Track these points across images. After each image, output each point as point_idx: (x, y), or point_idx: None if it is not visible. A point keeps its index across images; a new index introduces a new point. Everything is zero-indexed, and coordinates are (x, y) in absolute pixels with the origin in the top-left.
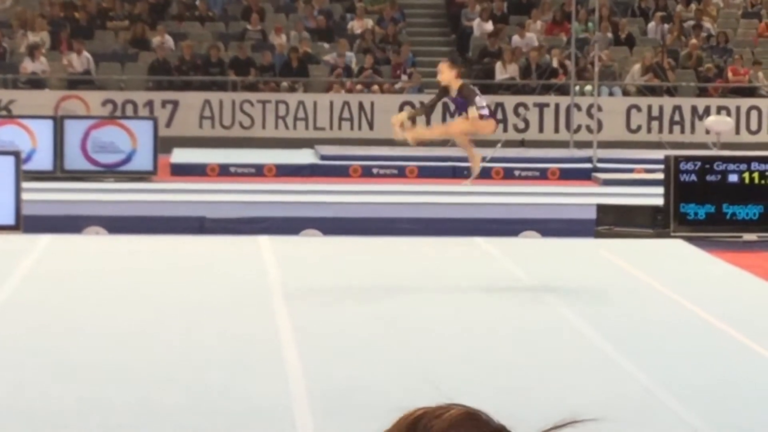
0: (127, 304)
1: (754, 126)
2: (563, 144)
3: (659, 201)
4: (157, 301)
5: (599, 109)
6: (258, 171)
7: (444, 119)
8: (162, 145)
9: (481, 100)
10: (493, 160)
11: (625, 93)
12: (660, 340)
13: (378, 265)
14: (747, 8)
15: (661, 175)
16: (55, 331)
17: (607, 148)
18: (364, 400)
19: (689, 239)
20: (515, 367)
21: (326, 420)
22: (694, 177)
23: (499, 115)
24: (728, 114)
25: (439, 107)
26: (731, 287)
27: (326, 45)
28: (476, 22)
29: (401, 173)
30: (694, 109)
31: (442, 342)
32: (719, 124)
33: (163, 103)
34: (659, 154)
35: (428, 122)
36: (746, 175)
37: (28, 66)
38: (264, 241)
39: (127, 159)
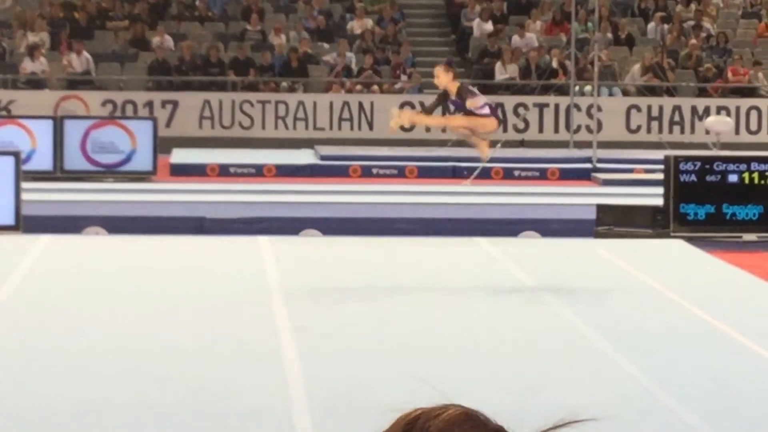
0: (127, 304)
1: (753, 126)
2: (563, 144)
3: (659, 201)
4: (157, 301)
5: (599, 109)
6: (258, 171)
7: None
8: (162, 145)
9: (481, 99)
10: (493, 160)
11: (625, 93)
12: (660, 341)
13: (378, 266)
14: (747, 8)
15: (660, 176)
16: (54, 331)
17: (606, 148)
18: (363, 400)
19: (689, 239)
20: (515, 367)
21: (325, 420)
22: (693, 177)
23: (499, 116)
24: (728, 114)
25: (438, 108)
26: (731, 287)
27: (326, 45)
28: (476, 23)
29: (401, 173)
30: (693, 109)
31: (442, 342)
32: (719, 124)
33: (163, 104)
34: (659, 154)
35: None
36: (746, 175)
37: (28, 66)
38: (264, 241)
39: (127, 159)
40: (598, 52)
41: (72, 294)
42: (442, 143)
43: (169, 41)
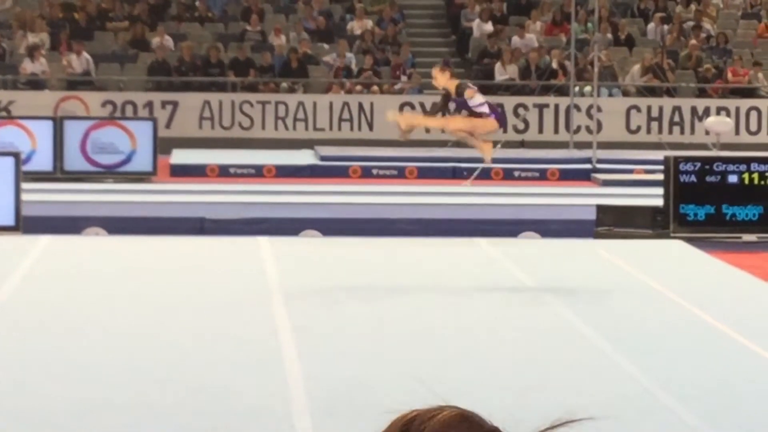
0: (127, 304)
1: (753, 127)
2: (563, 145)
3: (659, 202)
4: (157, 301)
5: (599, 109)
6: (258, 172)
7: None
8: (161, 145)
9: (480, 98)
10: (493, 160)
11: (625, 94)
12: (660, 341)
13: (377, 266)
14: (746, 9)
15: (660, 176)
16: (54, 331)
17: (606, 148)
18: (363, 400)
19: (689, 240)
20: (515, 367)
21: (325, 420)
22: (693, 178)
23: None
24: (728, 115)
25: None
26: (731, 288)
27: (326, 46)
28: (476, 23)
29: (401, 174)
30: (693, 109)
31: (442, 342)
32: (719, 124)
33: (163, 104)
34: (659, 154)
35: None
36: (746, 175)
37: (28, 67)
38: (264, 241)
39: (127, 160)
40: (597, 52)
41: (72, 294)
42: (442, 144)
43: (169, 42)
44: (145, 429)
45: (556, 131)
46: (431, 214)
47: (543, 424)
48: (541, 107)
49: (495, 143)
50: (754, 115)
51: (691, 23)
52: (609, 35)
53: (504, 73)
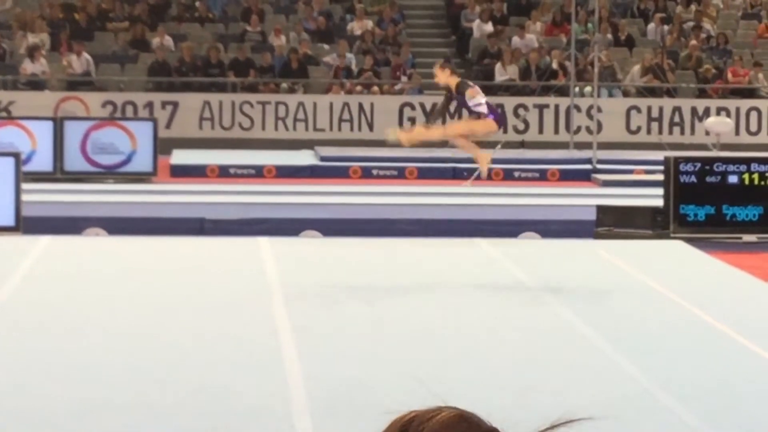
0: (127, 305)
1: (753, 127)
2: (563, 145)
3: (659, 202)
4: (157, 302)
5: (599, 110)
6: (258, 172)
7: (443, 120)
8: (162, 146)
9: (480, 97)
10: (494, 161)
11: (625, 94)
12: (660, 341)
13: (378, 267)
14: (747, 9)
15: (660, 177)
16: (54, 331)
17: (606, 149)
18: (363, 400)
19: (689, 240)
20: (515, 367)
21: (325, 420)
22: (693, 178)
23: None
24: (728, 115)
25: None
26: (731, 288)
27: (326, 46)
28: (476, 24)
29: (401, 174)
30: (693, 110)
31: (442, 342)
32: (719, 125)
33: (163, 105)
34: (659, 155)
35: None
36: (746, 176)
37: (28, 67)
38: (264, 242)
39: (127, 160)
40: (598, 53)
41: (72, 295)
42: (442, 144)
43: (169, 42)
44: (146, 429)
45: (557, 132)
46: (431, 214)
47: (543, 424)
48: (542, 108)
49: (495, 144)
50: (754, 115)
51: (691, 24)
52: (609, 36)
53: (504, 73)
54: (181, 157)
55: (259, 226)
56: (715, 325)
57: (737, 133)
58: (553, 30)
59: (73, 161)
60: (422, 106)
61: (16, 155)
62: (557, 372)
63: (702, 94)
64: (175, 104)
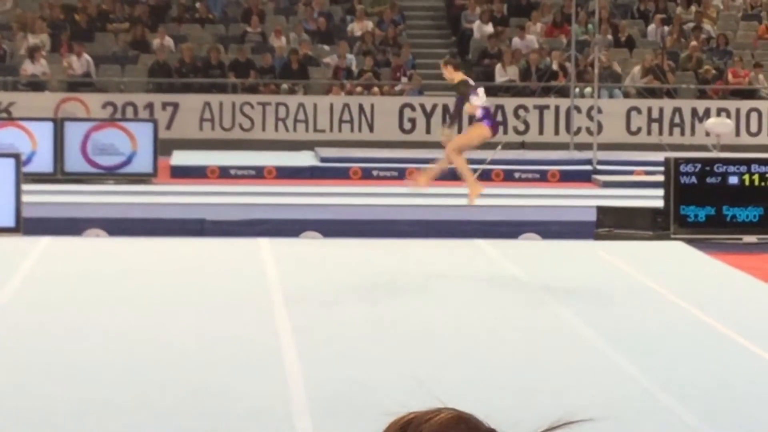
0: (127, 306)
1: (754, 128)
2: (563, 146)
3: (659, 203)
4: (157, 302)
5: (599, 111)
6: (258, 173)
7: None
8: (162, 147)
9: (480, 98)
10: (494, 162)
11: (625, 95)
12: (659, 342)
13: (378, 267)
14: (747, 10)
15: (661, 177)
16: (55, 332)
17: (607, 150)
18: (363, 400)
19: (689, 241)
20: (515, 368)
21: (326, 421)
22: (694, 179)
23: (499, 117)
24: (728, 116)
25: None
26: (731, 289)
27: (326, 47)
28: (476, 24)
29: (401, 175)
30: (694, 111)
31: (442, 343)
32: (719, 126)
33: (163, 106)
34: (659, 156)
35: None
36: (746, 177)
37: (28, 68)
38: (264, 243)
39: (127, 161)
40: (598, 54)
41: (72, 295)
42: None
43: (169, 43)
44: (145, 429)
45: (557, 132)
46: (432, 215)
47: (542, 425)
48: (542, 108)
49: (496, 144)
50: (754, 116)
51: (691, 24)
52: (609, 36)
53: (504, 74)
54: (181, 158)
55: (260, 227)
56: (715, 326)
57: (737, 134)
58: (554, 31)
59: (74, 162)
60: (422, 107)
61: (16, 156)
62: (557, 372)
63: (702, 95)
64: (176, 105)
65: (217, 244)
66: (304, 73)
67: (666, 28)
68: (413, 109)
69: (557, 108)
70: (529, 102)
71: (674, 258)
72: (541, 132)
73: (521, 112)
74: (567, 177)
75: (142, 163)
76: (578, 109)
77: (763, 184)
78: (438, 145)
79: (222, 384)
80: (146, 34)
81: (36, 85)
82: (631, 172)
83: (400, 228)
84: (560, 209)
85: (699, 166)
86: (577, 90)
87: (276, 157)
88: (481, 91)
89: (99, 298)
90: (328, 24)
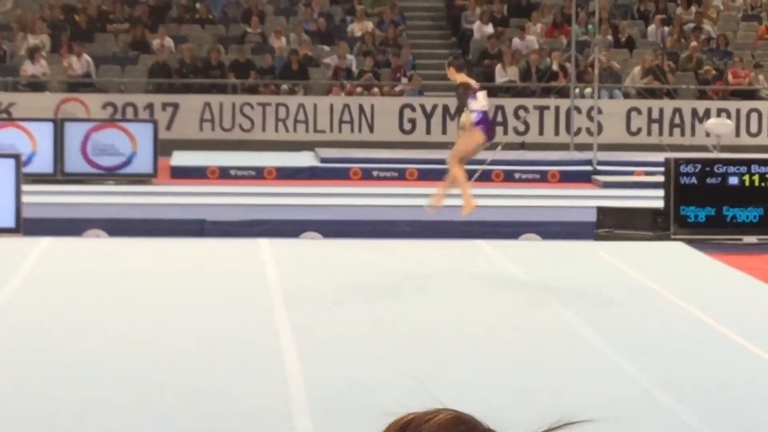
0: (127, 306)
1: (754, 128)
2: (563, 146)
3: (659, 204)
4: (157, 303)
5: (599, 111)
6: (258, 174)
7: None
8: (162, 147)
9: (478, 102)
10: (494, 162)
11: (626, 95)
12: (659, 342)
13: (378, 268)
14: (747, 11)
15: (661, 178)
16: (55, 332)
17: (607, 150)
18: (363, 401)
19: (689, 242)
20: (515, 368)
21: (326, 421)
22: (694, 180)
23: (499, 118)
24: (728, 117)
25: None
26: (731, 290)
27: (326, 48)
28: (476, 25)
29: (401, 176)
30: (694, 111)
31: (442, 343)
32: (719, 126)
33: (164, 106)
34: (659, 156)
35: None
36: (746, 177)
37: (29, 69)
38: (264, 243)
39: (128, 162)
40: (598, 54)
41: (72, 296)
42: (442, 145)
43: (169, 44)
44: (145, 430)
45: (557, 133)
46: (431, 215)
47: (542, 425)
48: (542, 109)
49: (496, 145)
50: (754, 117)
51: (691, 25)
52: (609, 37)
53: (504, 74)
54: (181, 158)
55: (260, 228)
56: (715, 326)
57: (737, 134)
58: (554, 31)
59: (74, 163)
60: (422, 107)
61: (16, 157)
62: (557, 372)
63: (702, 95)
64: (176, 106)
65: (217, 244)
66: (304, 74)
67: (666, 29)
68: (413, 109)
69: (557, 108)
70: (529, 102)
71: (674, 258)
72: (541, 132)
73: (521, 112)
74: (567, 177)
75: (142, 163)
76: (578, 110)
77: (763, 184)
78: (438, 145)
79: (222, 384)
80: (146, 35)
81: (36, 85)
82: (631, 173)
83: (400, 228)
84: (560, 210)
85: (699, 166)
86: (577, 90)
87: (276, 157)
88: (481, 94)
89: (99, 299)
90: (328, 24)
